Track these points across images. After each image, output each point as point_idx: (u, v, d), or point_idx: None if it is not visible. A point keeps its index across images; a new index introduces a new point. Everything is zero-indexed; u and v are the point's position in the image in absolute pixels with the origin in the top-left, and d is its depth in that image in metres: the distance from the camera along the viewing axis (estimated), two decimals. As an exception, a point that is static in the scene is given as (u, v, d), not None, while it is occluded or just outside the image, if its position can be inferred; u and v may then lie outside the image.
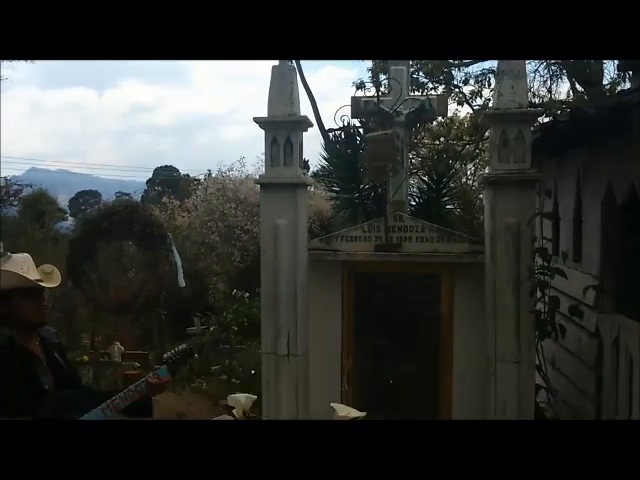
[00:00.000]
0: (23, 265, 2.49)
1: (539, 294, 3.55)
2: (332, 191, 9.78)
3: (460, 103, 11.04)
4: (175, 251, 9.93)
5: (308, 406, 3.87)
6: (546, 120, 4.72)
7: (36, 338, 2.56)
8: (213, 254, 13.76)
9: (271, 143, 3.80)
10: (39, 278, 2.52)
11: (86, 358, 8.61)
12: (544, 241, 3.80)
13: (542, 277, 3.54)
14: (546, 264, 3.55)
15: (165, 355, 2.81)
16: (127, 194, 21.62)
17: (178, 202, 15.81)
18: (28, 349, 2.49)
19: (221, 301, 13.14)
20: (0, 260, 2.57)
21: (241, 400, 3.17)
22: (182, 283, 10.33)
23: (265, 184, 3.85)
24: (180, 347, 2.82)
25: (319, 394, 3.93)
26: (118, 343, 8.70)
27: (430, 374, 4.28)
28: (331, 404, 3.17)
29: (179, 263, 9.91)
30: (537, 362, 3.63)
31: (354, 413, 3.04)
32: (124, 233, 9.64)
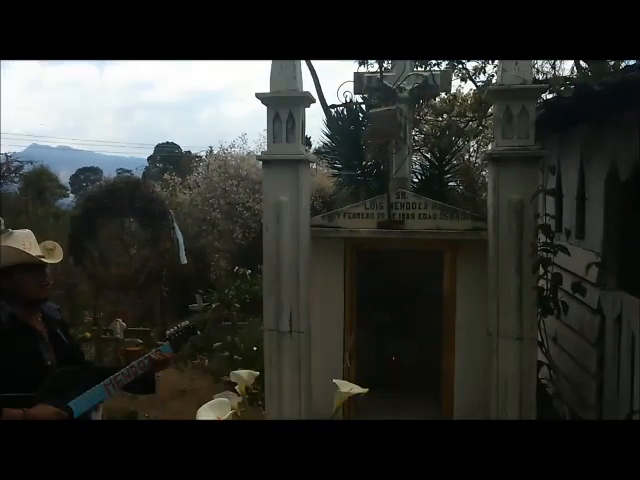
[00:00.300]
0: (25, 241, 2.49)
1: (542, 271, 3.54)
2: (334, 168, 9.76)
3: (463, 79, 10.93)
4: (177, 228, 9.91)
5: (310, 382, 3.89)
6: (550, 96, 4.67)
7: (38, 314, 2.57)
8: (215, 231, 13.74)
9: (273, 119, 3.76)
10: (41, 254, 2.52)
11: (88, 335, 8.64)
12: (547, 218, 3.78)
13: (545, 254, 3.53)
14: (549, 241, 3.53)
15: (168, 332, 2.82)
16: (128, 171, 21.56)
17: (179, 179, 15.74)
18: (30, 325, 2.49)
19: (223, 278, 13.16)
20: (2, 236, 2.57)
21: (243, 376, 3.18)
22: (184, 260, 10.33)
23: (267, 161, 3.82)
24: (182, 324, 2.83)
25: (321, 370, 3.96)
26: (120, 320, 8.71)
27: (432, 350, 4.30)
28: (333, 380, 3.19)
29: (181, 240, 9.89)
30: (539, 339, 3.63)
31: (356, 389, 3.05)
32: (126, 210, 9.61)
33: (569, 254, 3.59)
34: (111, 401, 5.29)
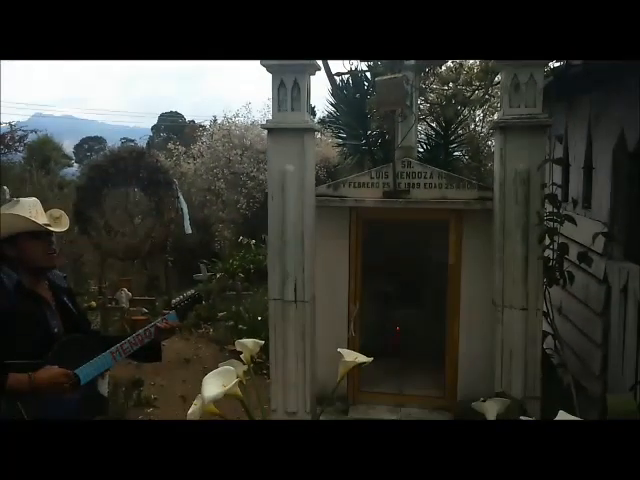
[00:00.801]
0: (32, 209, 2.49)
1: (548, 241, 3.52)
2: (339, 137, 9.67)
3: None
4: (181, 198, 9.90)
5: (315, 351, 3.91)
6: (558, 64, 4.59)
7: (45, 282, 2.57)
8: (219, 201, 13.73)
9: (278, 87, 3.71)
10: (47, 223, 2.52)
11: (94, 304, 8.70)
12: (554, 187, 3.75)
13: (551, 224, 3.51)
14: (555, 211, 3.50)
15: (173, 301, 2.83)
16: (132, 140, 21.46)
17: (183, 148, 15.68)
18: (37, 293, 2.50)
19: (227, 248, 13.20)
20: (9, 204, 2.57)
21: (249, 345, 3.20)
22: (189, 230, 10.35)
23: (272, 129, 3.78)
24: (188, 293, 2.84)
25: (326, 340, 3.97)
26: (125, 289, 8.75)
27: (437, 320, 4.31)
28: (338, 349, 3.20)
29: (185, 210, 9.89)
30: (544, 309, 3.63)
31: (361, 358, 3.07)
32: (130, 179, 9.59)
33: (576, 224, 3.56)
34: (117, 369, 5.35)
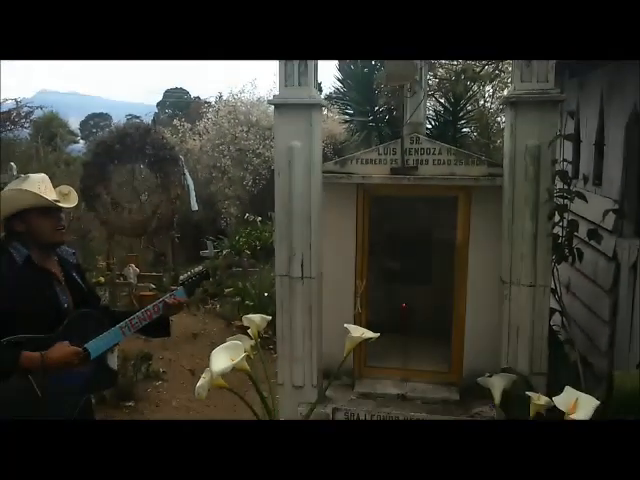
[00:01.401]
0: (41, 185, 2.50)
1: (557, 218, 3.50)
2: (346, 114, 9.60)
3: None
4: (187, 174, 9.89)
5: (321, 327, 3.92)
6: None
7: (54, 258, 2.59)
8: (225, 178, 13.70)
9: (285, 62, 3.67)
10: (56, 199, 2.53)
11: (102, 280, 8.75)
12: (565, 164, 3.71)
13: (561, 200, 3.48)
14: (566, 187, 3.47)
15: (181, 277, 2.85)
16: (137, 117, 21.35)
17: (189, 125, 15.62)
18: (47, 268, 2.51)
19: (233, 225, 13.21)
20: (18, 180, 2.58)
21: (256, 320, 3.21)
22: (195, 207, 10.35)
23: (279, 105, 3.75)
24: (196, 269, 2.85)
25: (332, 316, 3.98)
26: (133, 265, 8.79)
27: (444, 297, 4.30)
28: (345, 325, 3.21)
29: (192, 186, 9.88)
30: (552, 286, 3.62)
31: (368, 334, 3.07)
32: (136, 156, 9.57)
33: (586, 200, 3.53)
34: (126, 343, 5.39)
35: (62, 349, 2.33)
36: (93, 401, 2.98)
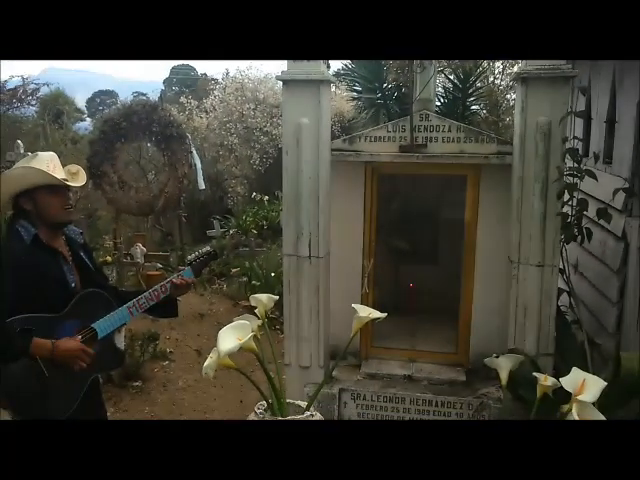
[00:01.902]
0: (50, 163, 2.48)
1: (567, 197, 3.45)
2: (354, 91, 9.52)
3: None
4: (195, 152, 9.85)
5: (329, 307, 3.92)
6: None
7: (61, 237, 2.58)
8: (232, 156, 13.65)
9: (293, 37, 3.61)
10: (65, 177, 2.51)
11: (109, 259, 8.77)
12: (575, 141, 3.66)
13: (571, 179, 3.44)
14: (576, 165, 3.42)
15: (189, 257, 2.83)
16: (144, 94, 21.24)
17: (196, 102, 15.51)
18: (54, 247, 2.50)
19: (240, 204, 13.19)
20: (26, 158, 2.57)
21: (263, 300, 3.21)
22: (202, 185, 10.32)
23: (287, 81, 3.70)
24: (203, 249, 2.84)
25: (340, 295, 3.97)
26: (140, 244, 8.79)
27: (451, 277, 4.29)
28: (353, 305, 3.20)
29: (199, 165, 9.85)
30: (560, 266, 3.59)
31: (375, 314, 3.07)
32: (143, 133, 9.52)
33: (596, 179, 3.48)
34: (133, 323, 5.41)
35: (72, 343, 2.34)
36: (100, 381, 3.00)
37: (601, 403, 2.65)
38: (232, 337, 2.66)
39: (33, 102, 14.16)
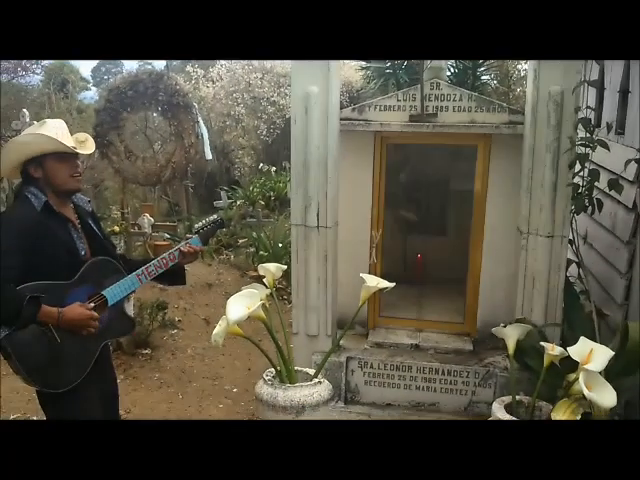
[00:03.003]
0: (58, 131, 2.46)
1: (578, 167, 3.42)
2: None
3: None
4: (201, 122, 9.76)
5: (337, 277, 3.92)
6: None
7: (70, 205, 2.57)
8: (239, 127, 13.57)
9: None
10: (73, 145, 2.50)
11: (117, 229, 8.78)
12: (588, 111, 3.60)
13: (583, 149, 3.39)
14: (588, 135, 3.38)
15: (196, 225, 2.83)
16: (149, 63, 21.03)
17: (202, 71, 15.36)
18: (64, 214, 2.50)
19: (247, 175, 13.15)
20: (35, 125, 2.55)
21: (272, 269, 3.22)
22: (209, 155, 10.26)
23: (295, 48, 3.65)
24: (211, 218, 2.83)
25: (348, 266, 3.98)
26: (148, 214, 8.80)
27: (460, 247, 4.28)
28: (361, 274, 3.20)
29: (205, 135, 9.77)
30: (570, 236, 3.57)
31: (383, 283, 3.07)
32: (149, 102, 9.43)
33: (609, 149, 3.44)
34: (142, 293, 5.44)
35: (78, 310, 2.34)
36: (111, 348, 3.02)
37: (608, 372, 2.66)
38: (241, 305, 2.68)
39: (38, 71, 14.08)
